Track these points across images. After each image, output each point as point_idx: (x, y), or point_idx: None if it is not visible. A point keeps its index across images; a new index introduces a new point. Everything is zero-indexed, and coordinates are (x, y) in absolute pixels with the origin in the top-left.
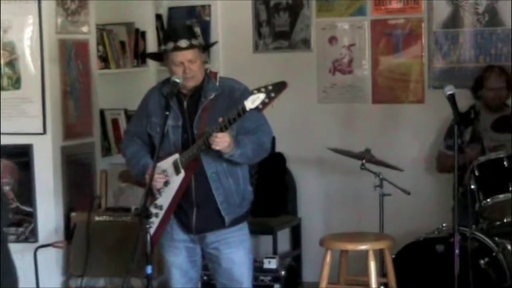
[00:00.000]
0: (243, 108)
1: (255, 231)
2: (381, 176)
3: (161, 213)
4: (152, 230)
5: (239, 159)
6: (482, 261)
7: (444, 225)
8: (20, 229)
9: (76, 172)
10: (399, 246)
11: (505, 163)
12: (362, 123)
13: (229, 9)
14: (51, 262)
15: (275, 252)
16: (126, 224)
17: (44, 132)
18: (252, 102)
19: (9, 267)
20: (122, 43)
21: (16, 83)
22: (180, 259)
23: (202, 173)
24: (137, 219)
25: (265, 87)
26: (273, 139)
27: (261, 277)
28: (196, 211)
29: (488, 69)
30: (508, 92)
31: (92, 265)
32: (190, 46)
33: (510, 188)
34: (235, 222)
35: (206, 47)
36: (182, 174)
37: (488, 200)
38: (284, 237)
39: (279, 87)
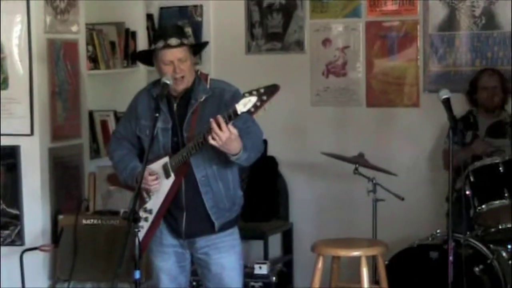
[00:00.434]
0: (235, 111)
1: (246, 236)
2: (374, 181)
3: (151, 217)
4: (141, 234)
5: (244, 162)
6: (476, 268)
7: (438, 231)
8: (6, 232)
9: (63, 174)
10: (392, 252)
11: (500, 168)
12: (356, 126)
13: (222, 9)
14: (37, 265)
15: (266, 257)
16: (114, 228)
17: (32, 133)
18: (243, 105)
19: None
20: (112, 43)
21: (3, 83)
22: (169, 264)
23: (192, 177)
24: (125, 222)
25: (257, 90)
26: (265, 142)
27: (252, 283)
28: (186, 215)
29: (481, 71)
30: (505, 95)
31: (79, 269)
32: (180, 44)
33: (506, 194)
34: (225, 227)
35: (196, 46)
36: (172, 177)
37: (483, 206)
38: (275, 242)
39: (271, 90)
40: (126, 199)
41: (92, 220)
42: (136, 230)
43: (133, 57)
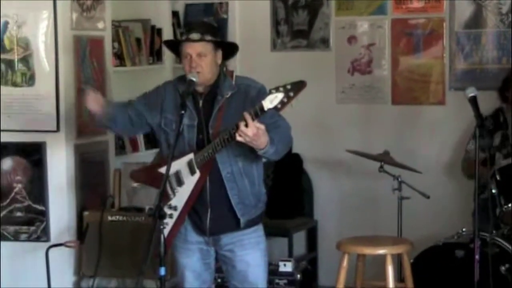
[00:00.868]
0: (261, 108)
1: (270, 233)
2: (400, 179)
3: (176, 214)
4: (166, 231)
5: (273, 156)
6: (503, 267)
7: (464, 229)
8: (32, 228)
9: (89, 171)
10: (418, 250)
11: None
12: (381, 124)
13: (247, 6)
14: (63, 262)
15: (290, 254)
16: (139, 225)
17: (58, 129)
18: (270, 101)
19: None
20: (138, 40)
21: (30, 79)
22: (193, 261)
23: (217, 173)
24: (150, 219)
25: (284, 86)
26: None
27: (277, 280)
28: (210, 212)
29: None
30: None
31: (104, 266)
32: (201, 39)
33: None
34: (250, 223)
35: (219, 44)
36: (198, 174)
37: (510, 205)
38: (299, 240)
39: (298, 86)
40: (151, 196)
41: (117, 217)
42: (162, 227)
43: (158, 53)
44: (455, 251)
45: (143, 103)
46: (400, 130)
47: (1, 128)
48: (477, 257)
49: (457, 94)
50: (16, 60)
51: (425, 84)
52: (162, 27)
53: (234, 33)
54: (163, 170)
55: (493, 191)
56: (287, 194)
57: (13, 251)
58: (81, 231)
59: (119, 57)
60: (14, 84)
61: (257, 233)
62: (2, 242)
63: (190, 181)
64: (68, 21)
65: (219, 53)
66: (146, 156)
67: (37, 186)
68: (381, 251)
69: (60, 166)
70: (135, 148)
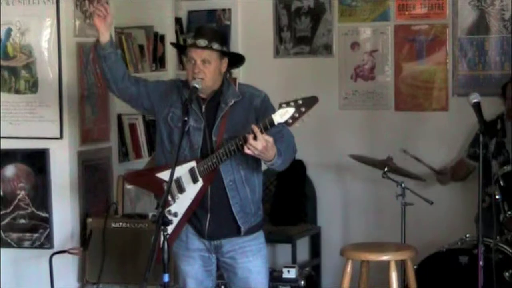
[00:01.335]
0: (271, 122)
1: (274, 240)
2: (403, 185)
3: (176, 220)
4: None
5: (280, 167)
6: (506, 273)
7: (467, 235)
8: (35, 235)
9: (92, 178)
10: (421, 257)
11: None
12: (384, 130)
13: (250, 13)
14: (66, 268)
15: (294, 261)
16: (142, 231)
17: (61, 136)
18: (280, 116)
19: None
20: (141, 47)
21: (33, 86)
22: (195, 269)
23: (219, 181)
24: (154, 226)
25: (295, 101)
26: None
27: (280, 286)
28: (210, 217)
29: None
30: None
31: (107, 272)
32: (207, 47)
33: None
34: (250, 231)
35: (225, 53)
36: (200, 183)
37: None
38: (303, 246)
39: (310, 102)
40: (154, 202)
41: (120, 224)
42: (165, 234)
43: (161, 60)
44: (459, 257)
45: (157, 89)
46: (403, 136)
47: (5, 135)
48: (481, 263)
49: (460, 100)
50: (19, 67)
51: (428, 90)
52: (165, 34)
53: (237, 40)
54: (161, 175)
55: (497, 197)
56: (291, 200)
57: (16, 258)
58: (85, 238)
59: None
60: (17, 91)
61: (258, 240)
62: (5, 249)
63: (192, 189)
64: (71, 28)
65: (225, 62)
66: None
67: (41, 193)
68: (384, 257)
69: (63, 173)
70: (138, 155)
